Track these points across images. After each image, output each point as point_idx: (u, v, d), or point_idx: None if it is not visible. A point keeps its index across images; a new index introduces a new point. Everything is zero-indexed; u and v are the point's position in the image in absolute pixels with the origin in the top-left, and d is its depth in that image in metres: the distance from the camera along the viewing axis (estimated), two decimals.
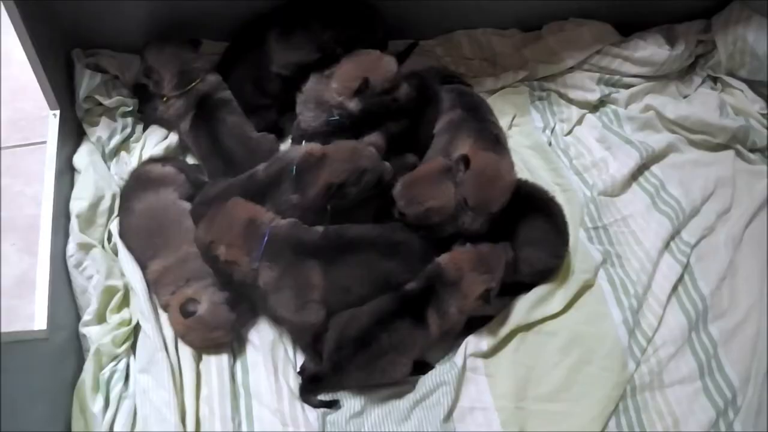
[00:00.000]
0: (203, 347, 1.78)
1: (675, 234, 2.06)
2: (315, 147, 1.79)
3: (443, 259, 1.72)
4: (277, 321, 1.80)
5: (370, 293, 1.71)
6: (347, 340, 1.67)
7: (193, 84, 1.99)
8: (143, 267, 1.82)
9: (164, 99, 2.02)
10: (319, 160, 1.75)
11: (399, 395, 1.75)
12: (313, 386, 1.73)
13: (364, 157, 1.77)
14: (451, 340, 1.81)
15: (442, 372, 1.76)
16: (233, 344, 1.81)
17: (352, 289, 1.71)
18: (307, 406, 1.72)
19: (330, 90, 1.91)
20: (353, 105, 1.89)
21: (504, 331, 1.82)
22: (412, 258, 1.75)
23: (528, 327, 1.85)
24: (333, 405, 1.73)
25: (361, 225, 1.78)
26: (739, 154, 2.27)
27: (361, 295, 1.71)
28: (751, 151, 2.28)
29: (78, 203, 1.91)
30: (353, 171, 1.74)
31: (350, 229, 1.75)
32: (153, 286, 1.81)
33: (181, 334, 1.77)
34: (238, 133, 2.00)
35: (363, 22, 2.04)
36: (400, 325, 1.67)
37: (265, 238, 1.65)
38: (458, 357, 1.78)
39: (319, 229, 1.73)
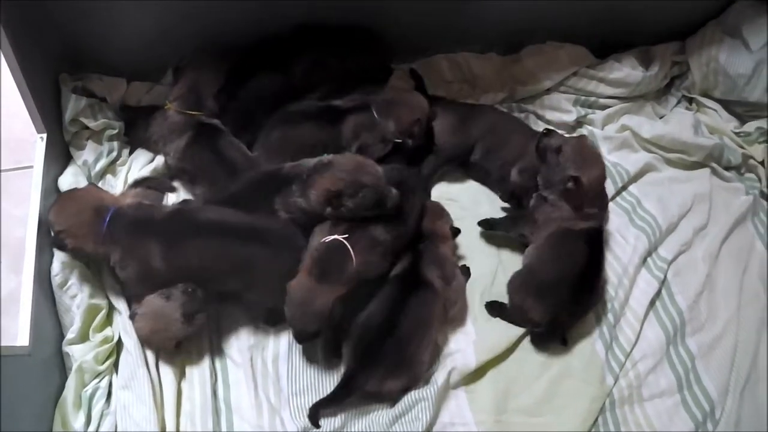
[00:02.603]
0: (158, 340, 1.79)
1: (652, 250, 2.09)
2: (328, 156, 1.81)
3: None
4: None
5: (225, 271, 1.75)
6: (369, 330, 1.73)
7: (193, 113, 2.02)
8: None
9: (165, 105, 2.04)
10: (324, 166, 1.76)
11: (378, 411, 1.76)
12: (346, 391, 1.73)
13: (368, 173, 1.73)
14: (458, 291, 1.91)
15: (420, 389, 1.77)
16: (215, 362, 1.83)
17: (192, 265, 1.73)
18: (286, 421, 1.73)
19: (388, 128, 2.06)
20: (411, 142, 2.07)
21: (491, 352, 1.85)
22: (277, 244, 1.76)
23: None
24: (315, 424, 1.72)
25: (222, 209, 1.80)
26: (714, 172, 2.31)
27: (212, 272, 1.75)
28: (726, 169, 2.32)
29: None
30: (352, 183, 1.71)
31: (207, 211, 1.78)
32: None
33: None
34: (238, 147, 2.03)
35: (370, 49, 2.24)
36: (412, 305, 1.74)
37: (107, 221, 1.72)
38: (439, 374, 1.80)
39: (169, 209, 1.79)
